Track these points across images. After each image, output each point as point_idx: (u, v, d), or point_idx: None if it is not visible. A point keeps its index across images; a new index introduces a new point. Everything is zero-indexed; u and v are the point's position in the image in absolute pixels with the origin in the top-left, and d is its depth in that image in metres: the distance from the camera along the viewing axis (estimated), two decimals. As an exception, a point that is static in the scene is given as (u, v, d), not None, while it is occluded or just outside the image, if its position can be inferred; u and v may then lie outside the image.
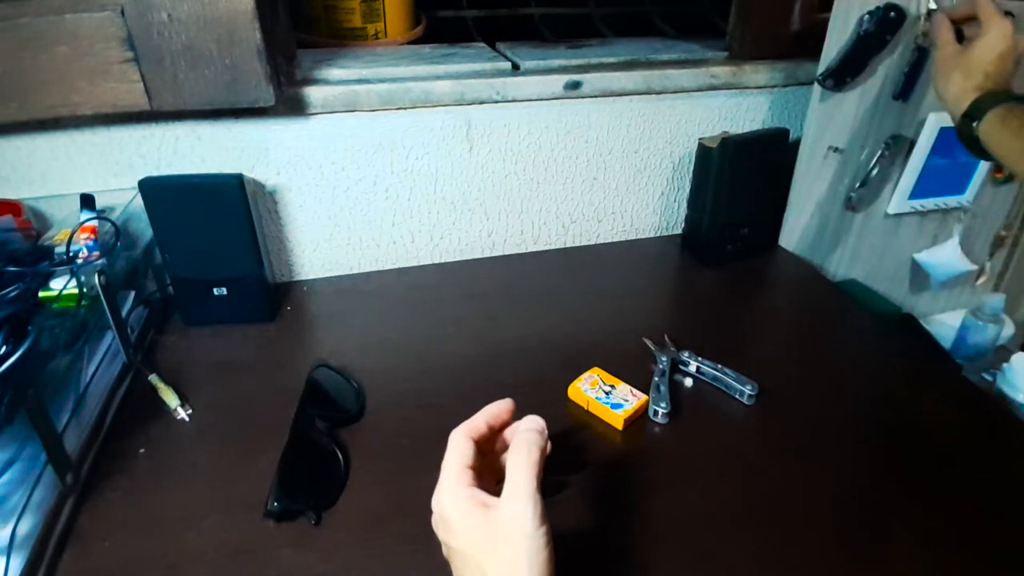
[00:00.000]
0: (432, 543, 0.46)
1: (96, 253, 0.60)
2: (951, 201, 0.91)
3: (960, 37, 0.66)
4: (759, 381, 0.60)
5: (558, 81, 0.77)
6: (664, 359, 0.64)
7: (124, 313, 0.62)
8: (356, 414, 0.59)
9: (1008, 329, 0.95)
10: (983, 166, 0.89)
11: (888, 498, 0.51)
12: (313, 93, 0.70)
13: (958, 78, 0.63)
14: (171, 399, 0.59)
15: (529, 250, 0.89)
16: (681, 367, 0.65)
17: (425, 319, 0.74)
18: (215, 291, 0.69)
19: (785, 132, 0.84)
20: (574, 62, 0.82)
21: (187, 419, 0.58)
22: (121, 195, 0.67)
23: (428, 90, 0.74)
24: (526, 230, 0.88)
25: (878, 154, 0.84)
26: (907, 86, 0.79)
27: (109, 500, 0.50)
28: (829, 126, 0.82)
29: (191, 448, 0.55)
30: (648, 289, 0.83)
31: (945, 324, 0.97)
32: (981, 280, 1.03)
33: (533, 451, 0.37)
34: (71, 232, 0.60)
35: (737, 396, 0.61)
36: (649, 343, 0.67)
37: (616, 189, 0.88)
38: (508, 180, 0.83)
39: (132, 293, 0.66)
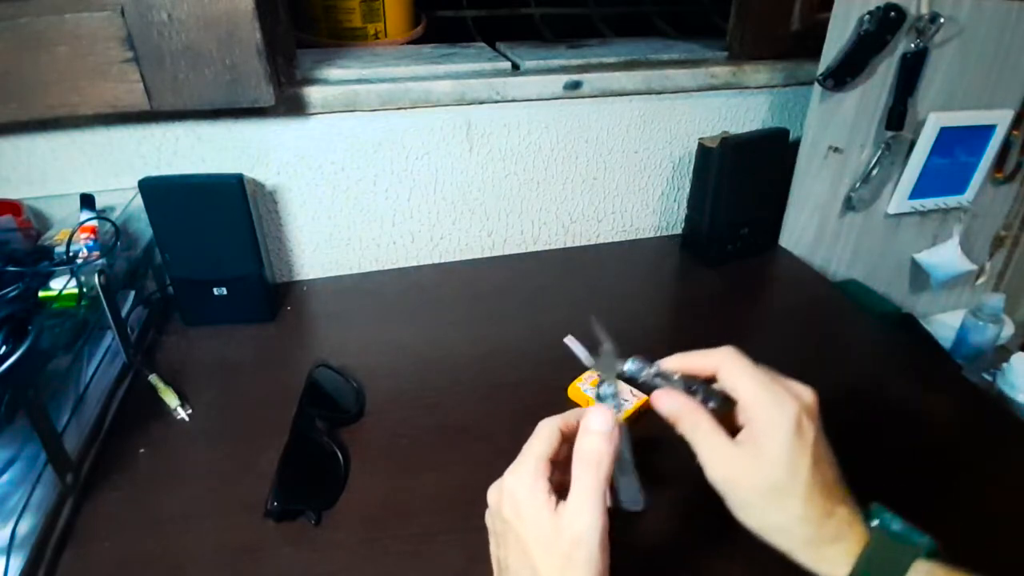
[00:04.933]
0: (431, 543, 0.47)
1: (96, 253, 0.60)
2: (951, 201, 0.91)
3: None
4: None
5: (558, 81, 0.77)
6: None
7: (124, 313, 0.62)
8: (356, 414, 0.58)
9: (1008, 329, 0.95)
10: (983, 166, 0.89)
11: (888, 498, 0.51)
12: (313, 93, 0.70)
13: (781, 502, 0.36)
14: (171, 399, 0.59)
15: (529, 250, 0.89)
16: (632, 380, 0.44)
17: (425, 319, 0.74)
18: (215, 291, 0.69)
19: (785, 132, 0.84)
20: (574, 62, 0.82)
21: (187, 419, 0.58)
22: (121, 195, 0.67)
23: (428, 90, 0.74)
24: (526, 230, 0.88)
25: (878, 154, 0.84)
26: (900, 117, 0.80)
27: (109, 500, 0.50)
28: (829, 126, 0.82)
29: (191, 448, 0.55)
30: (648, 289, 0.83)
31: (945, 324, 0.97)
32: (981, 280, 1.03)
33: (603, 464, 0.35)
34: (71, 232, 0.60)
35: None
36: (577, 349, 0.46)
37: (616, 189, 0.88)
38: (508, 180, 0.83)
39: (132, 293, 0.66)
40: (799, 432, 0.36)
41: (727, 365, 0.39)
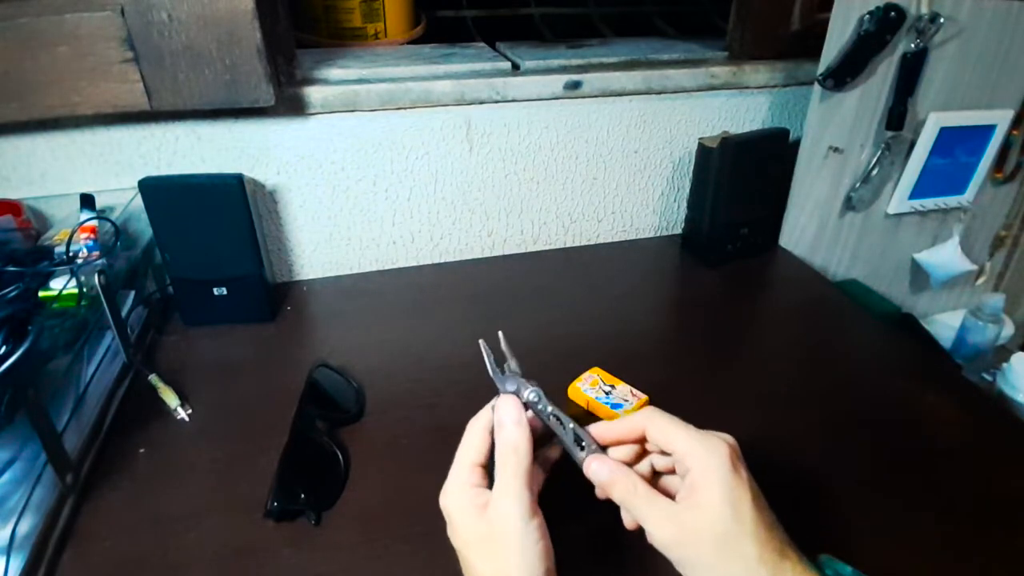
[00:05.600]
0: (431, 543, 0.46)
1: (96, 253, 0.60)
2: (951, 201, 0.91)
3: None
4: (758, 382, 0.60)
5: (558, 81, 0.77)
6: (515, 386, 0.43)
7: (124, 313, 0.62)
8: (356, 414, 0.59)
9: (1008, 329, 0.95)
10: (983, 166, 0.89)
11: (888, 498, 0.51)
12: (313, 93, 0.70)
13: (736, 548, 0.34)
14: (171, 399, 0.59)
15: (529, 250, 0.89)
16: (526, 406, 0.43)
17: (425, 319, 0.74)
18: (215, 291, 0.69)
19: (785, 132, 0.84)
20: (574, 62, 0.82)
21: (187, 419, 0.58)
22: (121, 195, 0.67)
23: (428, 90, 0.74)
24: (526, 230, 0.88)
25: (878, 154, 0.84)
26: (900, 117, 0.80)
27: (109, 500, 0.50)
28: (829, 126, 0.82)
29: (191, 448, 0.55)
30: (648, 289, 0.83)
31: (945, 324, 0.97)
32: (981, 280, 1.03)
33: (519, 449, 0.38)
34: (71, 232, 0.60)
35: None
36: (486, 355, 0.44)
37: (616, 189, 0.88)
38: (508, 180, 0.83)
39: (132, 293, 0.66)
40: (735, 470, 0.36)
41: (655, 422, 0.39)
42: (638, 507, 0.37)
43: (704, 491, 0.35)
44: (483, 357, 0.44)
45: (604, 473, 0.38)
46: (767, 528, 0.35)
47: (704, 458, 0.36)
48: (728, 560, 0.34)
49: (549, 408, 0.42)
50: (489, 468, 0.40)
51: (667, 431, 0.38)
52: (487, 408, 0.42)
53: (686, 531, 0.35)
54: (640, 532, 0.39)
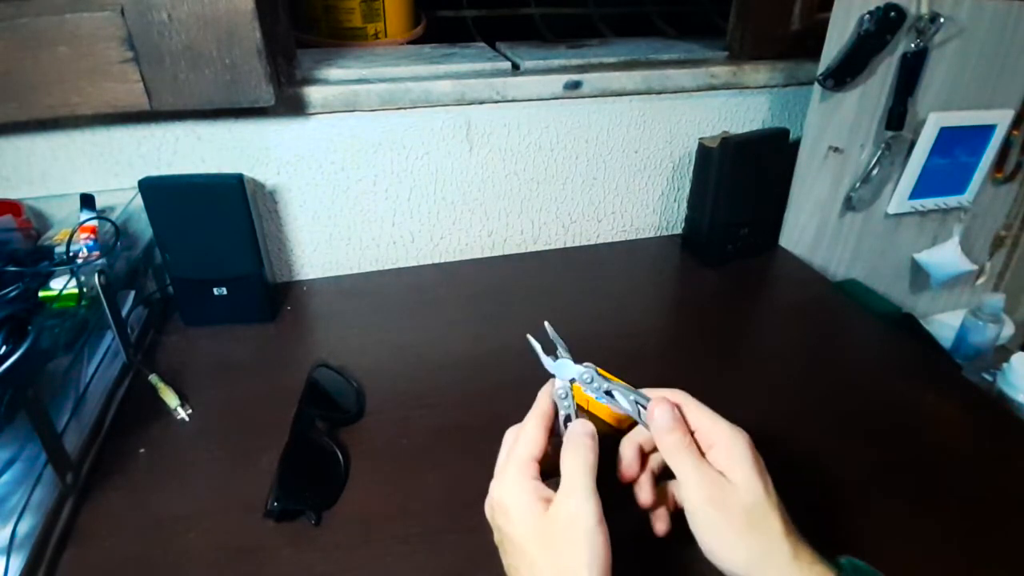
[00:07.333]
0: (431, 543, 0.47)
1: (96, 253, 0.60)
2: (951, 201, 0.91)
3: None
4: (758, 381, 0.60)
5: (558, 81, 0.77)
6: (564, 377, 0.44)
7: (124, 313, 0.62)
8: (356, 414, 0.59)
9: (1008, 329, 0.95)
10: (983, 166, 0.89)
11: (888, 498, 0.51)
12: (313, 93, 0.70)
13: (763, 521, 0.36)
14: (171, 399, 0.59)
15: (529, 250, 0.89)
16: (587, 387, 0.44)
17: (425, 319, 0.74)
18: (215, 291, 0.69)
19: (785, 132, 0.84)
20: (574, 62, 0.82)
21: (187, 419, 0.58)
22: (121, 195, 0.67)
23: (428, 90, 0.74)
24: (526, 230, 0.88)
25: (878, 154, 0.84)
26: (900, 117, 0.80)
27: (109, 500, 0.50)
28: (829, 126, 0.82)
29: (191, 448, 0.55)
30: (648, 289, 0.83)
31: (945, 324, 0.97)
32: (981, 280, 1.03)
33: (589, 453, 0.38)
34: (71, 232, 0.60)
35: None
36: (536, 346, 0.45)
37: (616, 189, 0.88)
38: (508, 180, 0.83)
39: (132, 293, 0.66)
40: (755, 453, 0.38)
41: (689, 401, 0.42)
42: (685, 459, 0.38)
43: (734, 465, 0.38)
44: (534, 349, 0.44)
45: (667, 419, 0.40)
46: (785, 512, 0.37)
47: (731, 436, 0.39)
48: (755, 531, 0.36)
49: (605, 385, 0.43)
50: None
51: (695, 409, 0.41)
52: (543, 399, 0.43)
53: (721, 496, 0.37)
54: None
